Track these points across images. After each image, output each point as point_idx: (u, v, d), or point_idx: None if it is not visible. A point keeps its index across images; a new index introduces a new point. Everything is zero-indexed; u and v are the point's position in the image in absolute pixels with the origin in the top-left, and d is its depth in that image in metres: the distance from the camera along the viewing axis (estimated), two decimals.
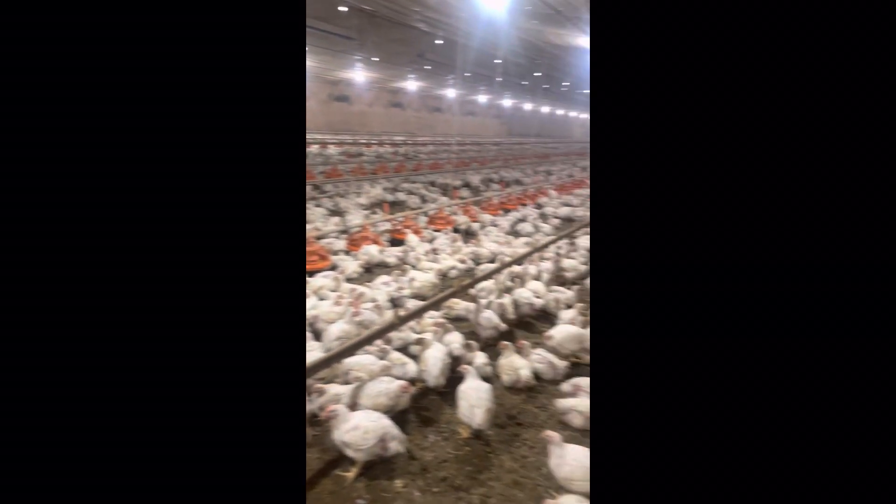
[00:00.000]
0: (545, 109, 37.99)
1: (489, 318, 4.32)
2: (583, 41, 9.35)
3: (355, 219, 7.93)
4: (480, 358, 3.79)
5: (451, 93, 24.82)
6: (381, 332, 3.53)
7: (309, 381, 3.28)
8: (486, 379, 3.77)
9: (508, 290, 5.09)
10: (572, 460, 2.51)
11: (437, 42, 13.75)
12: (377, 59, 18.46)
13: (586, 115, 36.03)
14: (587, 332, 4.19)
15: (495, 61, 15.08)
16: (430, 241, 7.53)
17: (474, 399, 2.97)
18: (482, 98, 32.14)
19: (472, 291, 4.92)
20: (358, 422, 2.65)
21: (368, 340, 3.40)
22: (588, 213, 10.13)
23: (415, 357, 3.72)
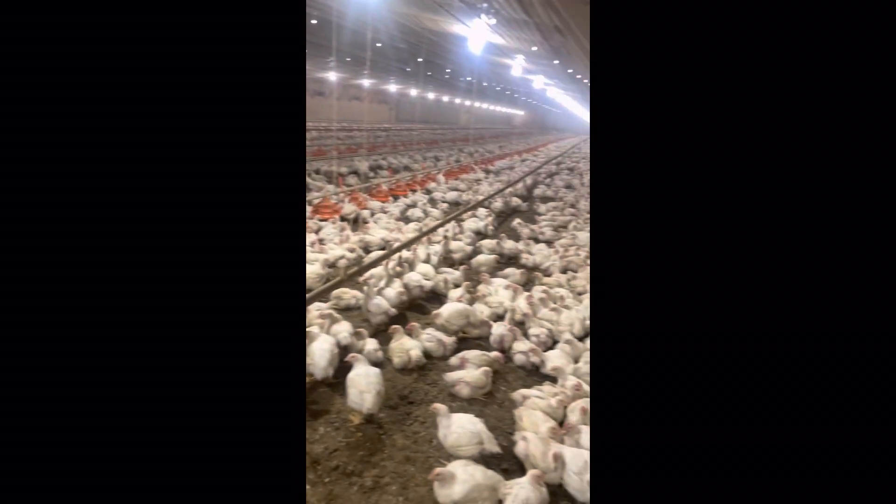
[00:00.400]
0: (431, 96, 38.50)
1: (378, 304, 4.32)
2: (458, 28, 9.64)
3: None
4: (371, 344, 3.79)
5: (332, 76, 23.78)
6: None
7: None
8: (377, 364, 3.79)
9: (398, 275, 5.14)
10: (458, 428, 2.67)
11: (311, 21, 13.01)
12: None
13: (470, 102, 37.37)
14: (473, 307, 4.43)
15: (376, 45, 14.83)
16: (316, 231, 7.24)
17: (363, 385, 2.97)
18: (366, 82, 31.38)
19: (361, 279, 4.87)
20: None
21: None
22: (474, 197, 10.61)
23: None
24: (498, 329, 4.11)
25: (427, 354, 3.89)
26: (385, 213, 8.90)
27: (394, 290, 4.78)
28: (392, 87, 35.20)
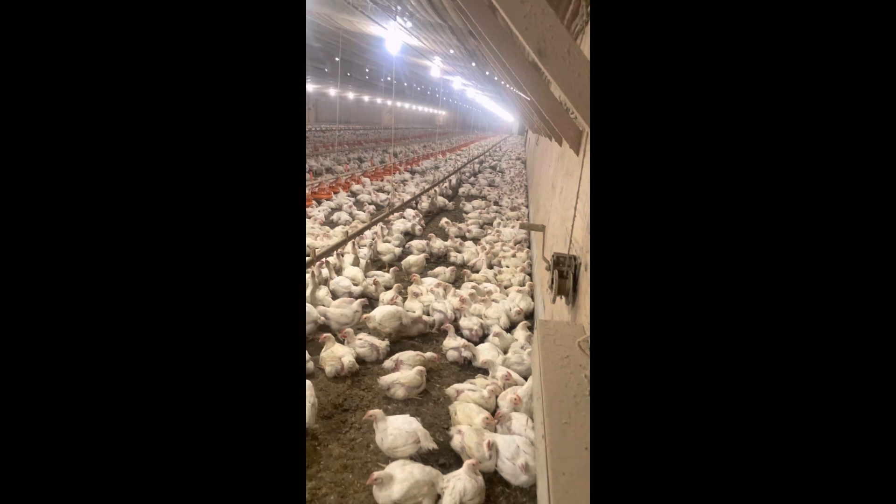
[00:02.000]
0: (351, 95, 37.69)
1: (307, 312, 4.19)
2: (374, 29, 9.56)
3: None
4: None
5: None
6: None
7: None
8: (307, 375, 3.70)
9: (325, 282, 5.02)
10: (394, 429, 2.69)
11: None
12: None
13: (391, 102, 37.14)
14: (404, 308, 4.46)
15: None
16: None
17: None
18: None
19: None
20: None
21: None
22: (399, 198, 10.61)
23: None
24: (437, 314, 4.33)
25: (360, 360, 3.86)
26: (308, 217, 8.61)
27: (320, 296, 4.67)
28: (310, 87, 33.94)
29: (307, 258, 5.10)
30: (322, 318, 4.29)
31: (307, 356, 3.68)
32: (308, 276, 4.98)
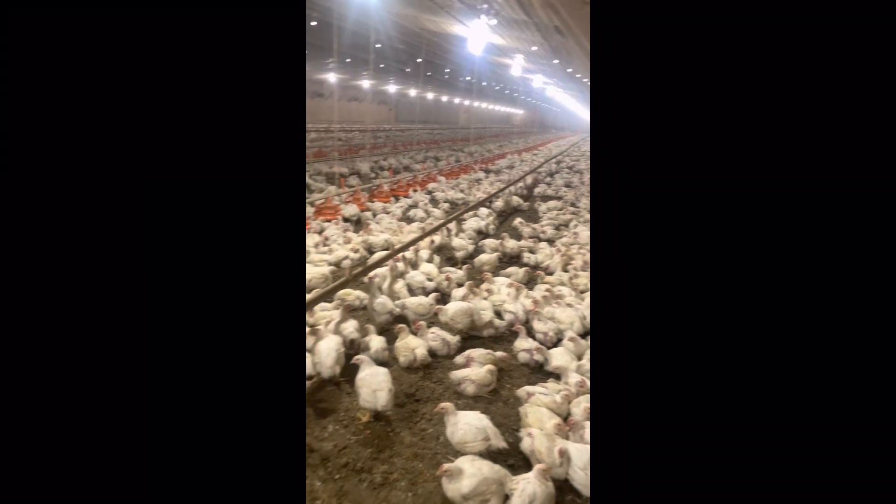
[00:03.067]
0: (430, 96, 38.53)
1: (383, 303, 4.37)
2: (457, 29, 9.67)
3: None
4: (377, 343, 3.84)
5: (332, 77, 23.80)
6: None
7: None
8: (382, 363, 3.85)
9: (402, 275, 5.19)
10: (465, 424, 2.71)
11: (311, 24, 13.05)
12: None
13: (469, 102, 37.37)
14: (476, 305, 4.48)
15: (376, 45, 14.91)
16: (320, 232, 7.29)
17: (375, 384, 3.01)
18: (366, 83, 31.39)
19: (366, 279, 4.92)
20: None
21: None
22: (474, 196, 10.65)
23: (308, 350, 3.63)
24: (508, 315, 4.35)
25: (432, 353, 3.94)
26: (387, 213, 8.95)
27: (397, 289, 4.83)
28: (391, 88, 35.22)
29: (386, 251, 5.30)
30: (398, 309, 4.44)
31: (384, 344, 3.84)
32: (386, 269, 5.18)
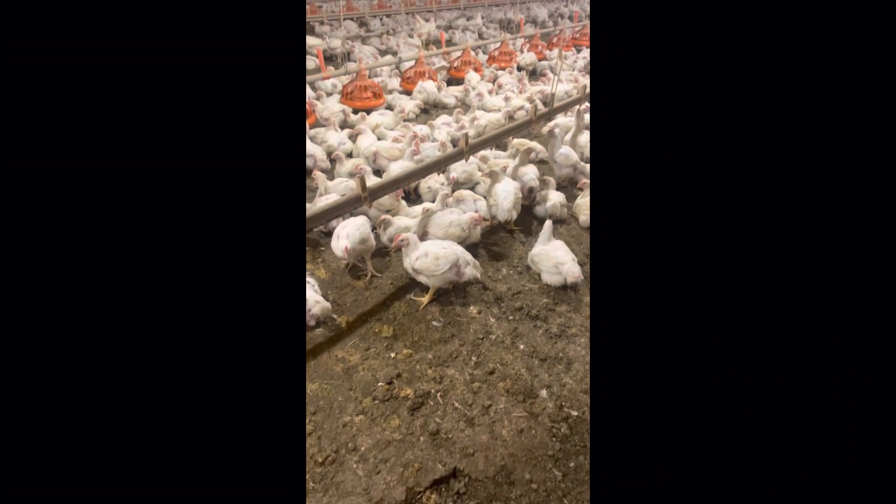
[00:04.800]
0: None
1: (567, 154, 3.81)
2: None
3: (409, 55, 7.08)
4: (556, 197, 3.42)
5: None
6: (447, 161, 3.19)
7: (374, 213, 3.12)
8: (559, 220, 3.47)
9: (587, 127, 4.45)
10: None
11: None
12: None
13: None
14: None
15: None
16: (493, 80, 6.67)
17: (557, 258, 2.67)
18: None
19: (545, 130, 4.34)
20: (428, 249, 2.48)
21: (433, 168, 3.09)
22: None
23: (484, 195, 3.42)
24: None
25: None
26: (567, 61, 7.74)
27: (581, 142, 4.17)
28: None
29: (572, 97, 4.53)
30: (582, 163, 3.86)
31: (563, 199, 3.41)
32: (569, 118, 4.48)
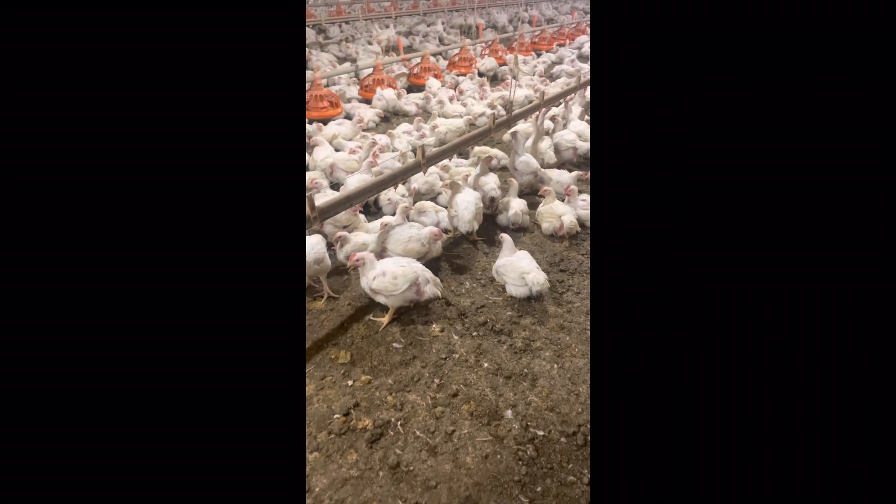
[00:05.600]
0: None
1: (527, 162, 3.79)
2: None
3: (367, 63, 6.95)
4: (518, 205, 3.39)
5: None
6: (404, 174, 3.10)
7: (330, 230, 3.00)
8: (522, 228, 3.44)
9: (548, 133, 4.46)
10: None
11: None
12: None
13: None
14: None
15: None
16: (454, 86, 6.64)
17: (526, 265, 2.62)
18: None
19: (506, 137, 4.32)
20: (385, 268, 2.38)
21: (389, 182, 3.00)
22: None
23: (445, 206, 3.35)
24: None
25: (581, 223, 3.39)
26: (524, 65, 7.80)
27: (542, 149, 4.17)
28: None
29: (532, 103, 4.53)
30: (542, 170, 3.85)
31: (524, 207, 3.38)
32: (530, 125, 4.48)
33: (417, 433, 1.88)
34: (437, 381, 2.13)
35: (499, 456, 1.80)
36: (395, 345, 2.34)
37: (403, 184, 3.60)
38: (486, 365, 2.22)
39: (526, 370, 2.20)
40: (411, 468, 1.75)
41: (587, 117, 4.99)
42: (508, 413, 1.98)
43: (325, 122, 4.90)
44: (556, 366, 2.23)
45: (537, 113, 4.34)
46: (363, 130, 4.90)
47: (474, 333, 2.43)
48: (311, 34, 9.62)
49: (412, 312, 2.55)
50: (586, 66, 7.81)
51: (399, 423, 1.92)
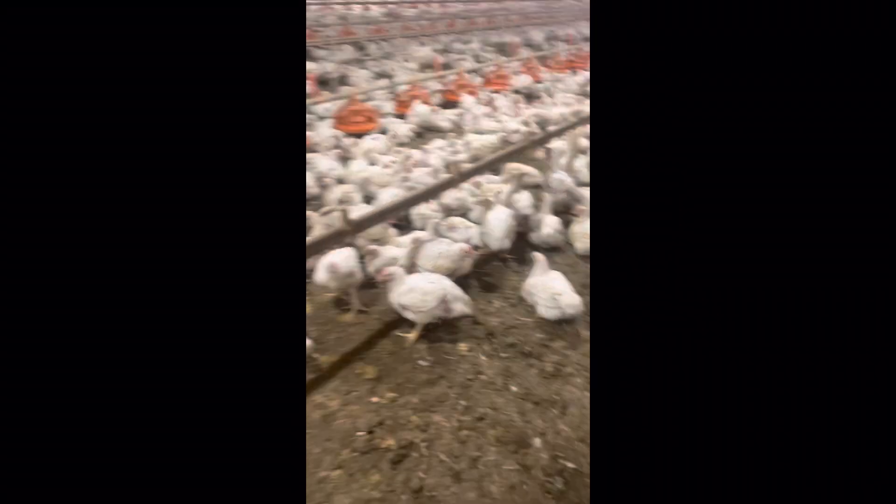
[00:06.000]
0: None
1: (561, 179, 3.73)
2: None
3: (403, 79, 7.09)
4: (551, 222, 3.32)
5: None
6: (437, 190, 3.10)
7: (362, 243, 3.01)
8: (554, 247, 3.36)
9: (583, 151, 4.39)
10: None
11: None
12: None
13: None
14: None
15: None
16: (488, 102, 6.67)
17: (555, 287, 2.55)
18: None
19: (541, 154, 4.27)
20: (414, 284, 2.36)
21: (422, 198, 3.00)
22: None
23: (477, 223, 3.32)
24: None
25: None
26: (559, 83, 7.75)
27: (576, 167, 4.10)
28: None
29: (568, 124, 4.47)
30: (578, 188, 3.78)
31: (559, 225, 3.31)
32: (565, 143, 4.42)
33: (442, 457, 1.83)
34: (463, 402, 2.07)
35: (525, 487, 1.72)
36: (421, 362, 2.31)
37: (436, 199, 3.60)
38: (514, 389, 2.15)
39: (556, 396, 2.11)
40: (434, 494, 1.69)
41: None
42: (537, 441, 1.90)
43: (360, 136, 5.00)
44: (587, 394, 2.13)
45: (572, 130, 4.28)
46: (397, 145, 4.97)
47: (503, 355, 2.37)
48: (349, 50, 9.93)
49: (440, 329, 2.51)
50: None
51: (423, 445, 1.87)
